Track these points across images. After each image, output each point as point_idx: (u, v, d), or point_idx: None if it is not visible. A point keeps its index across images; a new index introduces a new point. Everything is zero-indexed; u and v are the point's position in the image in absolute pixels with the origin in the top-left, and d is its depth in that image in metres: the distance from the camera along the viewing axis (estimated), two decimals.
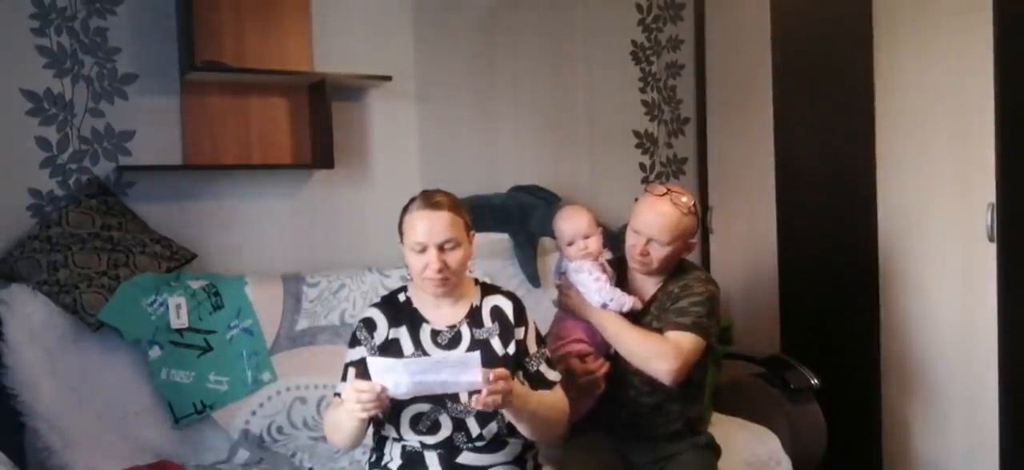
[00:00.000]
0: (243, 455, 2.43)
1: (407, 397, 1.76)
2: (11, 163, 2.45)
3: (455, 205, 1.91)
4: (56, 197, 2.50)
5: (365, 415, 1.73)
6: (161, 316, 2.42)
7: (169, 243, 2.56)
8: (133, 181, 2.60)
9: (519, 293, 2.17)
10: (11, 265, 2.36)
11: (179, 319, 2.43)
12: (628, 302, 2.16)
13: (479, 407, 1.71)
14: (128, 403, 2.37)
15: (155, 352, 2.41)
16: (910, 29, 2.68)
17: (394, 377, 1.69)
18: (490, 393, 1.69)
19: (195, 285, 2.49)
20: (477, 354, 1.71)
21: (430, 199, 1.89)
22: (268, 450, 2.46)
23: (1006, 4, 2.40)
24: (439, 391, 1.74)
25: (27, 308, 2.29)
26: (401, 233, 1.92)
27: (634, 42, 3.43)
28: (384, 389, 1.69)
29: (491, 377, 1.69)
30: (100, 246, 2.43)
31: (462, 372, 1.68)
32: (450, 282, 1.88)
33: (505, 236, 2.98)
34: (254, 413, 2.47)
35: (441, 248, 1.85)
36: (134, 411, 2.37)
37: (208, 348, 2.46)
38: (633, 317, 2.17)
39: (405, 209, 1.92)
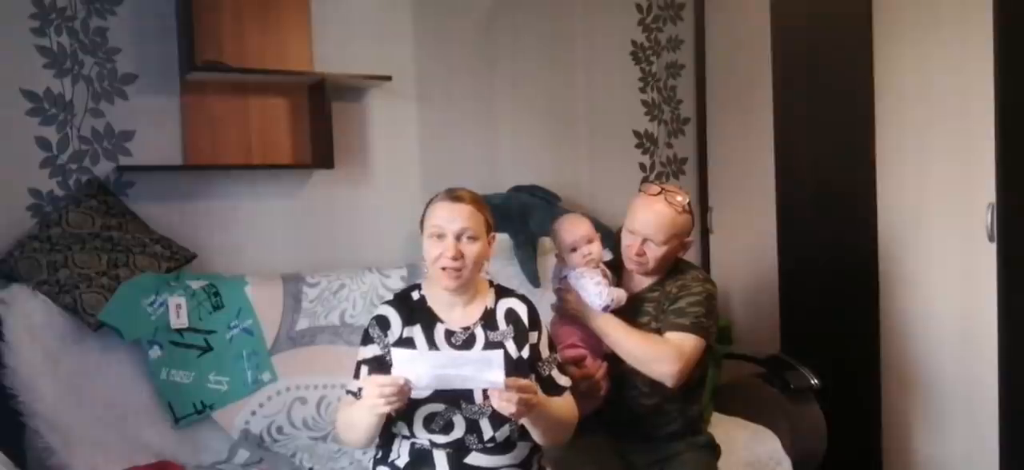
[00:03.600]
0: (243, 455, 2.43)
1: (428, 391, 1.76)
2: (11, 163, 2.45)
3: (477, 201, 1.93)
4: (56, 197, 2.50)
5: (388, 409, 1.72)
6: (161, 316, 2.42)
7: (169, 243, 2.55)
8: (133, 181, 2.60)
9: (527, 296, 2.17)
10: (11, 265, 2.36)
11: (179, 319, 2.43)
12: (623, 294, 2.17)
13: (504, 410, 1.72)
14: (128, 403, 2.37)
15: (155, 352, 2.41)
16: (910, 29, 2.68)
17: (416, 369, 1.70)
18: (517, 403, 1.70)
19: (195, 285, 2.49)
20: (500, 352, 1.71)
21: (453, 193, 1.91)
22: (268, 450, 2.46)
23: (1006, 4, 2.40)
24: (459, 386, 1.73)
25: (27, 308, 2.29)
26: (422, 225, 1.93)
27: (634, 42, 3.43)
28: (407, 382, 1.70)
29: (519, 388, 1.70)
30: (100, 246, 2.43)
31: (484, 369, 1.68)
32: (463, 275, 1.88)
33: (505, 236, 2.97)
34: (254, 413, 2.47)
35: (458, 238, 1.86)
36: (134, 411, 2.37)
37: (208, 348, 2.46)
38: (629, 317, 2.17)
39: (430, 200, 1.93)
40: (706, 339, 2.14)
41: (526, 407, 1.73)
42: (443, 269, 1.87)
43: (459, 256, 1.85)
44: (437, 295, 1.94)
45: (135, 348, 2.41)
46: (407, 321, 1.91)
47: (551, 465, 2.16)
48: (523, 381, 1.75)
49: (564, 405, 1.93)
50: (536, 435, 1.87)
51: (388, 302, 1.97)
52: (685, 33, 3.53)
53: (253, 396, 2.48)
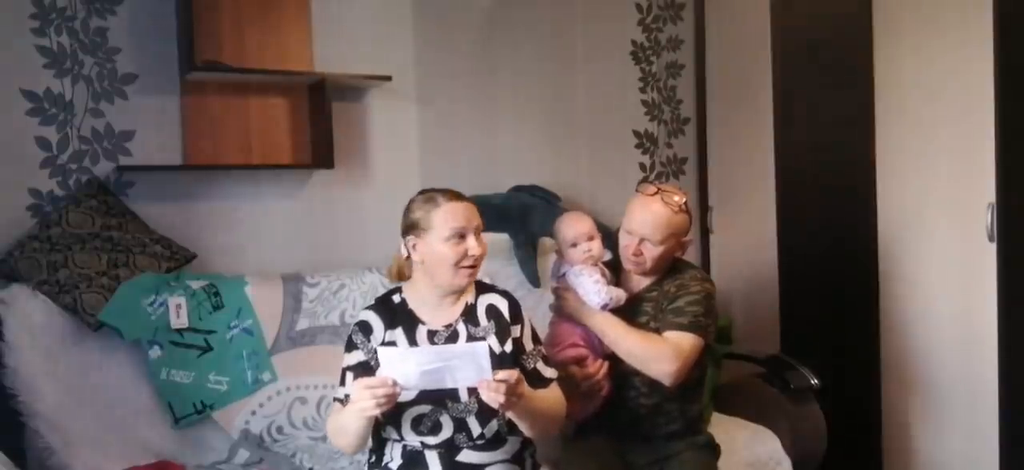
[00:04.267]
0: (243, 455, 2.43)
1: (416, 389, 1.77)
2: (11, 163, 2.45)
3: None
4: (56, 197, 2.50)
5: (378, 411, 1.73)
6: (161, 316, 2.42)
7: (169, 243, 2.56)
8: (133, 181, 2.60)
9: (519, 293, 2.17)
10: (11, 265, 2.36)
11: (179, 319, 2.43)
12: (623, 295, 2.18)
13: (492, 401, 1.72)
14: (128, 403, 2.37)
15: (155, 352, 2.41)
16: (910, 29, 2.68)
17: (404, 368, 1.71)
18: (505, 394, 1.70)
19: (195, 285, 2.49)
20: (485, 344, 1.72)
21: (452, 192, 1.94)
22: (268, 450, 2.46)
23: (1006, 4, 2.40)
24: (449, 383, 1.74)
25: (27, 308, 2.29)
26: (421, 228, 1.90)
27: (634, 42, 3.43)
28: (395, 383, 1.71)
29: (507, 378, 1.71)
30: (100, 246, 2.43)
31: (471, 361, 1.70)
32: (478, 270, 1.93)
33: (505, 236, 2.98)
34: (254, 413, 2.47)
35: (477, 235, 1.91)
36: (134, 411, 2.38)
37: (208, 348, 2.46)
38: (628, 317, 2.17)
39: (421, 205, 1.91)
40: (705, 338, 2.14)
41: (515, 397, 1.73)
42: (468, 267, 1.89)
43: (484, 252, 1.91)
44: (418, 296, 1.95)
45: (135, 348, 2.41)
46: (389, 324, 1.92)
47: (550, 465, 2.16)
48: (509, 372, 1.75)
49: (550, 397, 1.93)
50: (524, 428, 1.87)
51: (370, 307, 1.98)
52: (685, 33, 3.53)
53: (253, 396, 2.48)
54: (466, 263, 1.89)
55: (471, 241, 1.89)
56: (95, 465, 2.20)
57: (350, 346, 1.93)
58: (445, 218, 1.89)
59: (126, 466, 2.21)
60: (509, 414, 1.82)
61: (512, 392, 1.72)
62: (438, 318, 1.94)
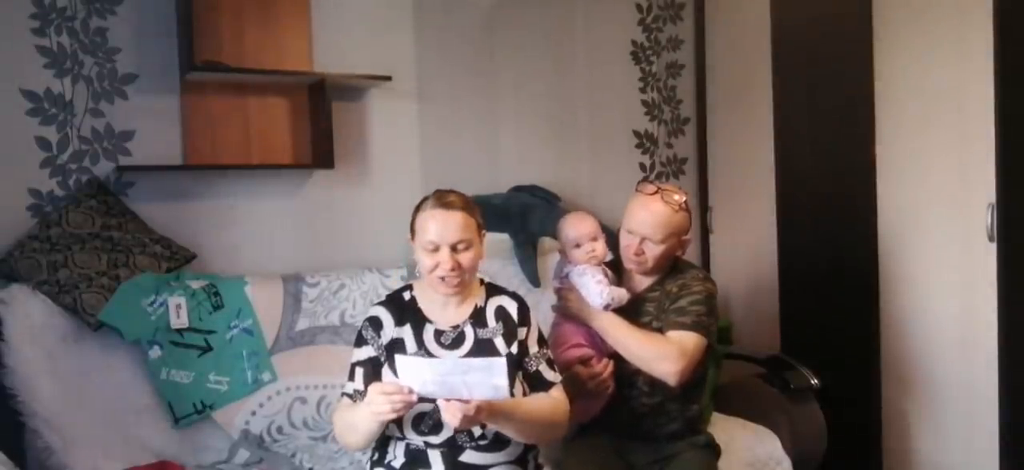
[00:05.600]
0: (243, 455, 2.43)
1: (431, 397, 1.77)
2: (11, 163, 2.45)
3: (468, 205, 1.92)
4: (56, 197, 2.50)
5: (394, 416, 1.73)
6: (161, 316, 2.42)
7: (169, 243, 2.56)
8: (133, 181, 2.60)
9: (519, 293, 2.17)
10: (11, 265, 2.36)
11: (179, 319, 2.43)
12: (625, 294, 2.18)
13: (449, 422, 1.71)
14: (128, 403, 2.37)
15: (155, 352, 2.41)
16: (910, 30, 2.68)
17: (421, 377, 1.70)
18: (460, 421, 1.69)
19: (195, 285, 2.49)
20: (503, 360, 1.70)
21: (443, 199, 1.90)
22: (268, 450, 2.46)
23: (1006, 4, 2.40)
24: (464, 394, 1.73)
25: (27, 308, 2.29)
26: (413, 231, 1.93)
27: (634, 42, 3.43)
28: (411, 390, 1.70)
29: (464, 411, 1.69)
30: (100, 246, 2.43)
31: (488, 376, 1.69)
32: (462, 282, 1.90)
33: (505, 236, 2.98)
34: (254, 413, 2.47)
35: (453, 248, 1.87)
36: (134, 411, 2.37)
37: (208, 348, 2.46)
38: (630, 317, 2.17)
39: (418, 207, 1.93)
40: (707, 338, 2.14)
41: (468, 420, 1.70)
42: (442, 278, 1.87)
43: (457, 267, 1.86)
44: (428, 296, 1.95)
45: (135, 348, 2.41)
46: (398, 321, 1.92)
47: (551, 465, 2.16)
48: (465, 406, 1.71)
49: (545, 403, 1.91)
50: (511, 436, 1.86)
51: (380, 303, 1.98)
52: (685, 33, 3.53)
53: (253, 396, 2.48)
54: (438, 274, 1.87)
55: (443, 254, 1.86)
56: (95, 465, 2.20)
57: (360, 341, 1.93)
58: (423, 226, 1.89)
59: (126, 466, 2.21)
60: (492, 425, 1.81)
61: (468, 421, 1.70)
62: (446, 318, 1.94)
